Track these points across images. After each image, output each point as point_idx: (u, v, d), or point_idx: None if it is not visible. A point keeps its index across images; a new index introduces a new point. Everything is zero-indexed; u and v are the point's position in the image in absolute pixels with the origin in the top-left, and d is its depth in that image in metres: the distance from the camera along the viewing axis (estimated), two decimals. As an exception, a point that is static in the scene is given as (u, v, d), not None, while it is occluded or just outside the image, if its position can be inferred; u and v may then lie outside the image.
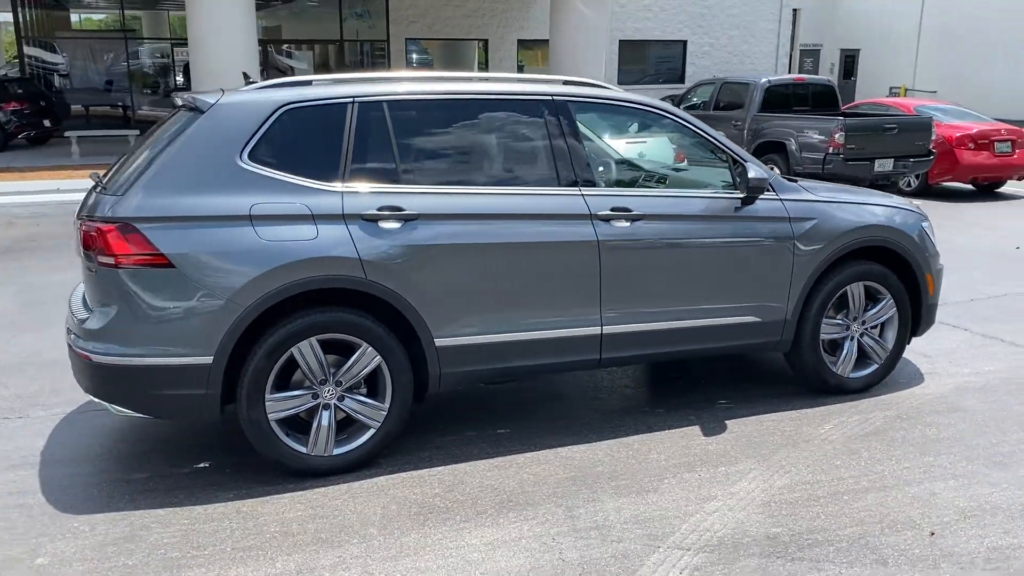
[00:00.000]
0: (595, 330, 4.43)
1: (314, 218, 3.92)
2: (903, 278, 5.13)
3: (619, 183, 4.77)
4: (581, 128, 4.52)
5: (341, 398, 4.05)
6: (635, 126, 5.18)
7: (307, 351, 3.95)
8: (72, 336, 3.98)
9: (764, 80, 13.65)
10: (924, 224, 5.24)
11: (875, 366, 5.16)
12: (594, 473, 4.08)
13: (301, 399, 4.00)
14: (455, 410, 4.87)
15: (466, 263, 4.14)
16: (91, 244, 3.81)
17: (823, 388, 5.07)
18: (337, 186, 4.00)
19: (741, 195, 4.67)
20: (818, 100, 14.08)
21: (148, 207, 3.75)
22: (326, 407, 4.04)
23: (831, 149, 12.05)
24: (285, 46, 24.46)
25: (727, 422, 4.69)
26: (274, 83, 4.19)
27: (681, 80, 26.06)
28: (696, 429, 4.59)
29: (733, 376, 5.47)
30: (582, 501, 3.81)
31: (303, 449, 4.01)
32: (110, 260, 3.72)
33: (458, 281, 4.13)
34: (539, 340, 4.34)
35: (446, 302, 4.11)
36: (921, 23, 30.54)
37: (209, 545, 3.47)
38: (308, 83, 4.22)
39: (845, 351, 5.07)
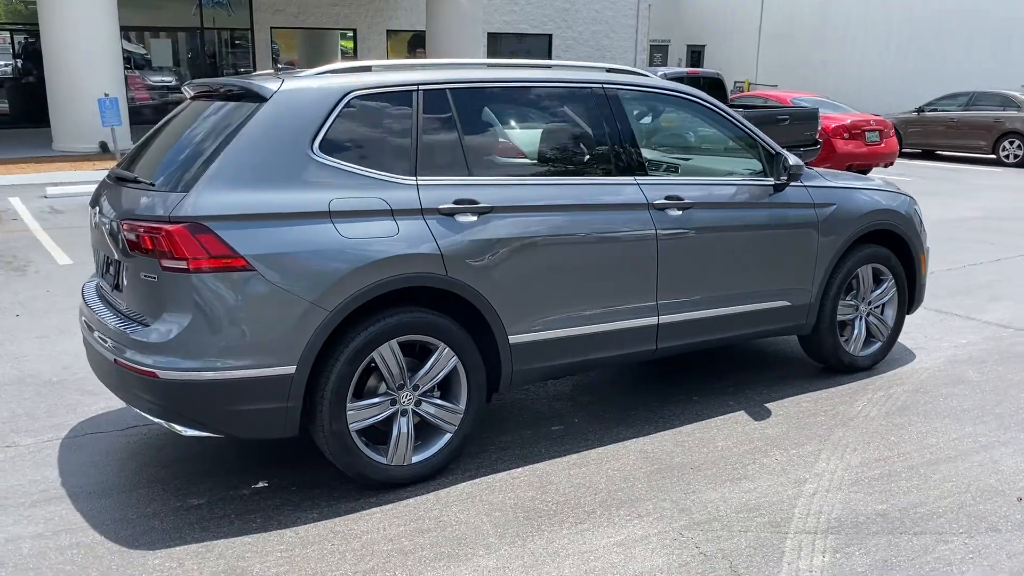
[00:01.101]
0: (652, 320, 4.40)
1: (393, 213, 3.68)
2: (901, 259, 5.40)
3: (666, 171, 4.74)
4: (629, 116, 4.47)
5: (418, 403, 3.83)
6: (667, 113, 5.18)
7: (388, 355, 3.70)
8: (115, 348, 3.55)
9: (660, 73, 14.01)
10: (916, 207, 5.53)
11: (879, 343, 5.41)
12: (675, 464, 4.06)
13: (380, 406, 3.75)
14: (493, 410, 4.72)
15: (537, 256, 4.00)
16: (148, 247, 3.40)
17: (838, 367, 5.26)
18: (411, 179, 3.77)
19: (773, 182, 4.77)
20: (708, 92, 14.58)
21: (219, 204, 3.39)
22: (403, 413, 3.80)
23: (731, 139, 12.53)
24: (134, 33, 22.90)
25: (767, 406, 4.78)
26: (332, 69, 3.89)
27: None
28: (743, 415, 4.65)
29: (739, 362, 5.58)
30: (682, 494, 3.77)
31: (383, 460, 3.76)
32: (180, 264, 3.34)
33: (530, 275, 3.99)
34: (602, 333, 4.26)
35: (519, 297, 3.97)
36: (762, 20, 32.34)
37: (326, 571, 3.18)
38: (368, 69, 3.94)
39: (856, 331, 5.29)
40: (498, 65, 4.31)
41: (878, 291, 5.33)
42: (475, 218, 3.84)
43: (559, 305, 4.10)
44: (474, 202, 3.85)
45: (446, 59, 4.31)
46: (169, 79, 22.01)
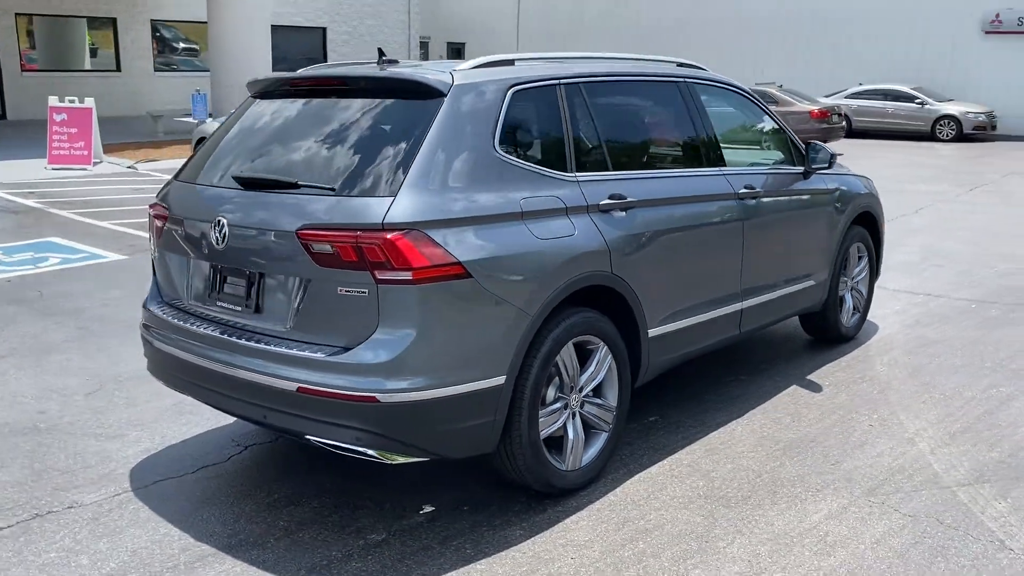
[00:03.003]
0: (739, 306, 4.60)
1: (567, 212, 3.57)
2: (872, 237, 6.02)
3: (733, 162, 4.92)
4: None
5: (582, 404, 3.74)
6: (720, 106, 5.35)
7: (567, 358, 3.59)
8: (294, 374, 3.13)
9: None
10: (874, 187, 6.17)
11: (859, 314, 5.99)
12: (792, 440, 4.27)
13: (559, 412, 3.62)
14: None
15: (667, 249, 4.05)
16: (352, 258, 3.04)
17: (836, 339, 5.77)
18: (571, 175, 3.67)
19: (803, 169, 5.12)
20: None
21: (431, 208, 3.11)
22: (573, 416, 3.70)
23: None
24: None
25: (809, 378, 5.15)
26: (485, 61, 3.66)
27: (323, 68, 25.66)
28: (798, 390, 4.97)
29: (734, 351, 5.92)
30: (828, 465, 3.98)
31: (563, 466, 3.64)
32: (402, 275, 3.02)
33: (663, 268, 4.03)
34: (706, 322, 4.39)
35: (656, 290, 3.99)
36: (519, 19, 33.58)
37: (596, 585, 3.06)
38: (511, 63, 3.75)
39: (848, 304, 5.82)
40: (603, 58, 4.28)
41: (859, 267, 5.90)
42: (624, 214, 3.82)
43: (682, 296, 4.18)
44: (623, 197, 3.81)
45: (564, 53, 4.19)
46: None
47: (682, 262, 4.14)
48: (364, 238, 3.02)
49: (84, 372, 5.27)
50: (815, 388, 4.99)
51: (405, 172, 3.14)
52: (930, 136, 22.92)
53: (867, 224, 5.92)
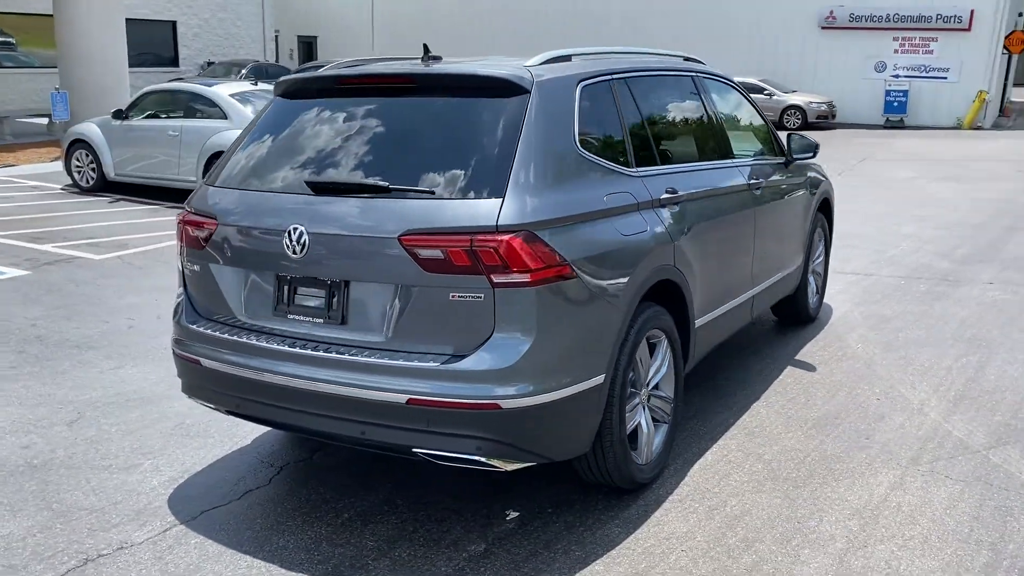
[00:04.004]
0: (751, 292, 4.76)
1: (639, 207, 3.57)
2: (827, 220, 6.36)
3: (737, 153, 5.02)
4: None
5: (648, 398, 3.77)
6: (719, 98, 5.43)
7: (643, 353, 3.60)
8: (401, 386, 2.99)
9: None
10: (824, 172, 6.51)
11: (818, 295, 6.32)
12: (822, 420, 4.45)
13: (636, 407, 3.63)
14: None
15: (709, 241, 4.13)
16: (465, 263, 2.93)
17: (805, 320, 6.06)
18: (633, 170, 3.68)
19: (785, 159, 5.34)
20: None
21: (539, 208, 3.04)
22: (644, 410, 3.73)
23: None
24: None
25: (798, 359, 5.38)
26: (549, 57, 3.58)
27: (175, 63, 24.37)
28: (794, 371, 5.19)
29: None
30: (863, 440, 4.19)
31: (640, 460, 3.65)
32: (520, 278, 2.93)
33: (705, 259, 4.11)
34: (732, 309, 4.52)
35: (702, 281, 4.07)
36: (373, 13, 33.04)
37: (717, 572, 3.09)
38: (568, 58, 3.70)
39: (812, 286, 6.13)
40: (626, 53, 4.29)
41: (819, 250, 6.22)
42: (677, 208, 3.87)
43: (717, 285, 4.28)
44: (675, 191, 3.86)
45: (604, 47, 4.16)
46: None
47: (717, 252, 4.24)
48: (479, 241, 2.92)
49: (51, 400, 4.81)
50: (809, 368, 5.23)
51: (506, 172, 3.05)
52: (779, 125, 24.35)
53: (824, 209, 6.24)
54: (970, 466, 3.91)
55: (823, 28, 26.35)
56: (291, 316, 3.28)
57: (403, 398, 2.99)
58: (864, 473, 3.86)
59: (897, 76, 25.70)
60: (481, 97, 3.29)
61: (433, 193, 3.05)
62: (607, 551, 3.24)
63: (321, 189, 3.23)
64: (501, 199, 2.98)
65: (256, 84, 12.00)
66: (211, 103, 11.16)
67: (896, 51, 25.76)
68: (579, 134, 3.39)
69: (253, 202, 3.37)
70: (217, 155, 10.79)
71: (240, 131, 10.61)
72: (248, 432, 4.35)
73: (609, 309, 3.26)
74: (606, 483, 3.57)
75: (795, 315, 6.00)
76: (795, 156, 5.32)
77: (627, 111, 3.80)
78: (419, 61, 3.68)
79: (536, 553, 3.24)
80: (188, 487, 3.82)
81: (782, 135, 5.44)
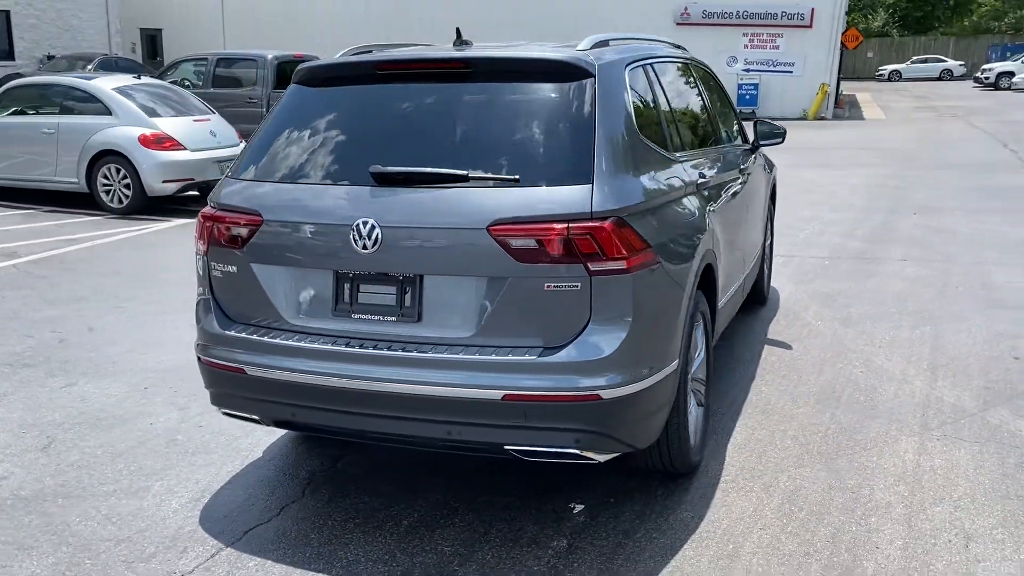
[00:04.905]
0: (744, 274, 4.88)
1: (685, 192, 3.58)
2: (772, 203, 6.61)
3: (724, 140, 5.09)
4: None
5: (690, 381, 3.79)
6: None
7: (698, 334, 3.62)
8: (496, 381, 2.88)
9: (271, 56, 13.38)
10: (766, 160, 6.76)
11: (768, 276, 6.56)
12: (821, 394, 4.62)
13: (688, 392, 3.64)
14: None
15: (725, 223, 4.20)
16: (560, 251, 2.84)
17: (761, 301, 6.27)
18: (675, 155, 3.68)
19: (752, 144, 5.51)
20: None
21: (624, 194, 2.99)
22: (691, 393, 3.75)
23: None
24: None
25: (771, 339, 5.57)
26: (597, 41, 3.51)
27: (11, 56, 22.49)
28: (773, 350, 5.36)
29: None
30: (872, 410, 4.39)
31: (692, 443, 3.67)
32: (616, 265, 2.87)
33: (724, 244, 4.17)
34: (737, 290, 4.65)
35: (724, 264, 4.13)
36: (224, 6, 31.61)
37: (819, 547, 3.15)
38: (607, 43, 3.65)
39: (765, 269, 6.36)
40: (636, 39, 4.28)
41: (768, 232, 6.46)
42: (706, 193, 3.91)
43: (730, 267, 4.36)
44: (705, 176, 3.90)
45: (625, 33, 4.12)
46: None
47: (729, 237, 4.31)
48: (576, 229, 2.84)
49: (6, 424, 4.33)
50: (786, 347, 5.41)
51: (589, 157, 2.97)
52: (643, 118, 25.12)
53: (773, 193, 6.48)
54: (975, 428, 4.16)
55: (678, 24, 27.32)
56: (355, 315, 3.08)
57: (498, 394, 2.87)
58: (886, 441, 4.03)
59: (748, 70, 27.06)
60: (544, 82, 3.20)
61: (518, 181, 2.94)
62: (689, 535, 3.24)
63: (388, 180, 3.04)
64: (590, 185, 2.91)
65: (140, 78, 11.22)
66: (92, 98, 10.33)
67: (746, 46, 27.12)
68: (635, 117, 3.36)
69: (305, 196, 3.14)
70: (103, 153, 10.03)
71: (128, 127, 9.94)
72: (254, 444, 4.08)
73: (680, 294, 3.26)
74: (665, 469, 3.56)
75: (755, 296, 6.20)
76: (761, 142, 5.48)
77: (660, 96, 3.81)
78: (450, 47, 3.53)
79: (621, 544, 3.19)
80: (215, 508, 3.53)
81: (746, 122, 5.61)
